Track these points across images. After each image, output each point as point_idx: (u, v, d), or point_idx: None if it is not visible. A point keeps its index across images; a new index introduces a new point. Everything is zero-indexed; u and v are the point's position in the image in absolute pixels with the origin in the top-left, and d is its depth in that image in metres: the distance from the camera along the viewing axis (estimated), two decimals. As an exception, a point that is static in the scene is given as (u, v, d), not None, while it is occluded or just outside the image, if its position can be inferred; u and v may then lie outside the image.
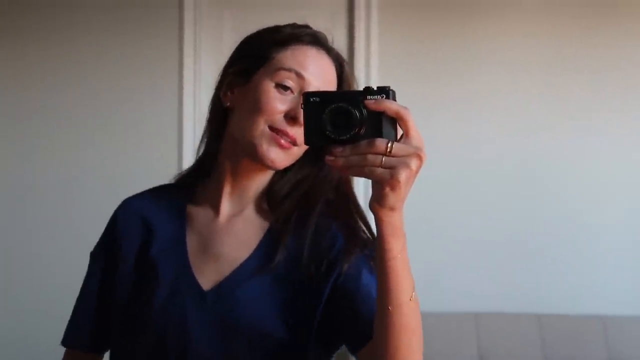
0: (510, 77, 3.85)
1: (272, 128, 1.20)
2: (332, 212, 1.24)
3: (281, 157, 1.21)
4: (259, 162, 1.22)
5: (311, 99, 0.96)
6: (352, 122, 0.92)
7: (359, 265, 1.16)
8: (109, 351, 1.35)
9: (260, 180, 1.29)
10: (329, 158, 0.94)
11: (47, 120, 3.70)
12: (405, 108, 0.92)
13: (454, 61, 3.83)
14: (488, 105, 3.87)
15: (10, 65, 3.69)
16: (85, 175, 3.67)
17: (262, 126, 1.20)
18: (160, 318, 1.19)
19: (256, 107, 1.20)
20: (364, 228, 1.22)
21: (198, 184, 1.35)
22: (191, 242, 1.26)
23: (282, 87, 1.21)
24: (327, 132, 0.93)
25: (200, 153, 1.36)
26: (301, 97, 1.00)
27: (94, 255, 1.37)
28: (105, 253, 1.34)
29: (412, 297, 1.00)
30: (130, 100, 3.70)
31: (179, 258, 1.24)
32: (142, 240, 1.29)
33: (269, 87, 1.21)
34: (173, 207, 1.32)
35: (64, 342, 1.38)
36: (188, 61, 3.62)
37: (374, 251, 1.04)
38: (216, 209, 1.29)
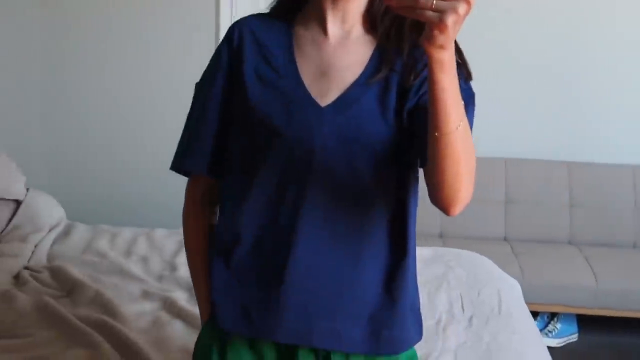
0: None
1: None
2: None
3: None
4: None
5: None
6: None
7: None
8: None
9: (359, 1, 1.30)
10: None
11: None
12: None
13: None
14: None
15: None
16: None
17: None
18: (287, 130, 1.24)
19: None
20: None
21: (296, 11, 1.35)
22: (302, 63, 1.30)
23: None
24: None
25: None
26: None
27: (206, 81, 1.38)
28: (224, 73, 1.34)
29: (459, 126, 1.07)
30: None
31: (292, 79, 1.28)
32: (257, 58, 1.32)
33: None
34: (280, 29, 1.34)
35: (184, 167, 1.39)
36: None
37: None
38: (324, 30, 1.31)
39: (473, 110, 1.24)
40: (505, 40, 3.85)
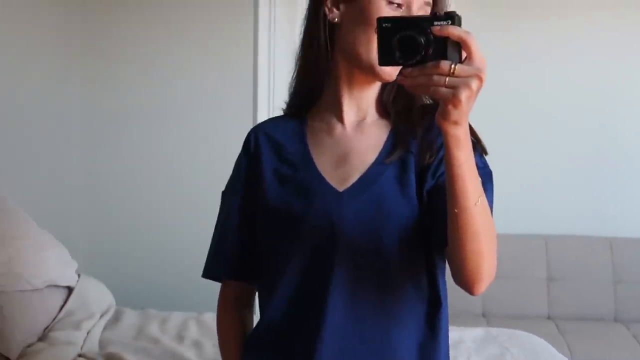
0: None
1: None
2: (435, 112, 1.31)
3: (395, 70, 1.23)
4: (376, 77, 1.28)
5: (383, 25, 1.04)
6: (417, 48, 1.01)
7: None
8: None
9: (373, 89, 1.36)
10: (400, 78, 1.03)
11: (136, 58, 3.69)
12: (468, 33, 0.99)
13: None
14: (561, 23, 3.82)
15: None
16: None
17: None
18: (307, 219, 1.27)
19: (369, 23, 1.23)
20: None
21: (310, 106, 1.40)
22: (318, 154, 1.34)
23: (393, 3, 1.24)
24: (396, 57, 1.03)
25: (298, 75, 1.39)
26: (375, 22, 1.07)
27: (229, 190, 1.45)
28: (244, 179, 1.41)
29: (478, 202, 1.08)
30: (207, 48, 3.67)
31: (309, 170, 1.32)
32: (274, 159, 1.37)
33: (381, 2, 1.24)
34: (294, 126, 1.40)
35: (212, 274, 1.45)
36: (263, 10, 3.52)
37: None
38: (340, 119, 1.36)
39: (492, 188, 1.28)
40: (545, 112, 3.89)
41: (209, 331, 2.79)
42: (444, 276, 1.33)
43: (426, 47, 1.00)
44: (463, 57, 1.00)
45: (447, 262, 1.23)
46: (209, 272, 1.46)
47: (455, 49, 1.00)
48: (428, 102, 1.33)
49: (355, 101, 1.35)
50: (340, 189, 1.28)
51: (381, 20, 1.05)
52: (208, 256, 1.47)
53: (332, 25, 1.32)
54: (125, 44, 3.68)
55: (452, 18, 1.01)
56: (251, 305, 1.50)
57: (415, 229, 1.25)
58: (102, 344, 2.68)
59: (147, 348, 2.62)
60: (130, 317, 2.92)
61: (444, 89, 0.98)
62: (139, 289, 3.48)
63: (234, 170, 1.45)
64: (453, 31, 0.99)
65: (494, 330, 2.85)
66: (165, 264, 3.52)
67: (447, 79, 0.97)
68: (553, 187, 3.92)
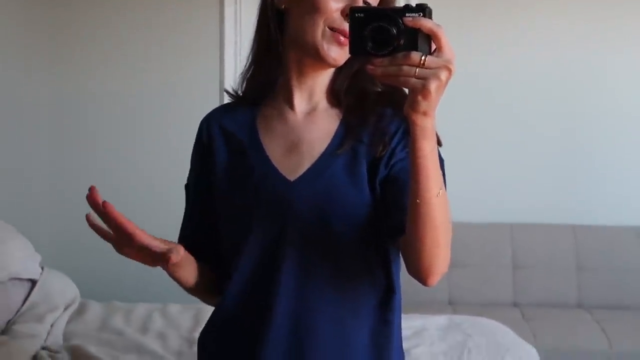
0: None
1: (332, 28, 1.26)
2: (389, 101, 1.33)
3: (341, 54, 1.27)
4: (322, 61, 1.29)
5: (356, 15, 1.06)
6: (390, 39, 1.02)
7: None
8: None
9: (324, 77, 1.36)
10: (369, 67, 1.04)
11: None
12: (439, 26, 1.01)
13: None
14: (526, 17, 3.86)
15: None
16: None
17: (322, 27, 1.26)
18: (258, 209, 1.28)
19: (314, 7, 1.25)
20: None
21: (264, 95, 1.39)
22: (269, 141, 1.35)
23: None
24: (368, 48, 1.04)
25: (251, 63, 1.39)
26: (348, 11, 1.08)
27: (188, 182, 1.46)
28: (199, 170, 1.42)
29: (439, 194, 1.10)
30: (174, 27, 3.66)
31: (259, 158, 1.33)
32: (226, 147, 1.37)
33: None
34: (244, 113, 1.39)
35: None
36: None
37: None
38: (292, 107, 1.36)
39: (444, 176, 1.27)
40: (509, 105, 3.93)
41: (174, 322, 2.79)
42: (398, 264, 1.34)
43: (398, 39, 1.02)
44: (432, 49, 1.01)
45: (401, 252, 1.24)
46: None
47: (426, 41, 1.02)
48: (380, 90, 1.33)
49: (307, 89, 1.35)
50: (291, 178, 1.28)
51: (354, 10, 1.06)
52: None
53: (281, 13, 1.32)
54: (91, 36, 3.65)
55: (424, 10, 1.02)
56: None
57: (367, 219, 1.26)
58: (66, 336, 2.67)
59: (111, 340, 2.61)
60: (95, 309, 2.91)
61: (414, 80, 0.99)
62: (104, 281, 3.46)
63: (191, 162, 1.45)
64: (425, 23, 1.00)
65: (457, 318, 2.88)
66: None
67: (417, 70, 0.99)
68: (518, 177, 3.95)
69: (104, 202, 1.14)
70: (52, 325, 2.68)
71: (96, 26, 3.67)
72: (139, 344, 2.58)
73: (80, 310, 2.89)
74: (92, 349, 2.46)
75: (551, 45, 3.87)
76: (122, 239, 1.19)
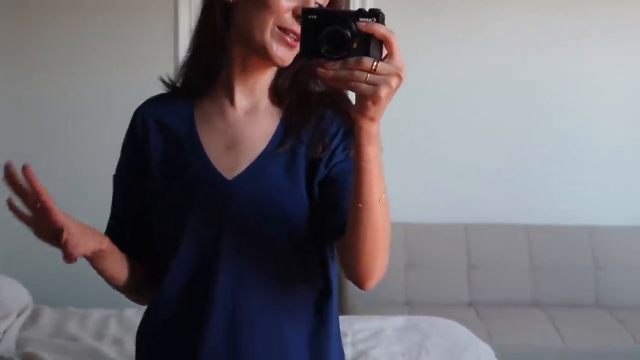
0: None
1: (281, 27, 1.23)
2: (330, 102, 1.32)
3: (288, 55, 1.26)
4: (269, 60, 1.27)
5: (309, 17, 1.05)
6: (345, 44, 1.02)
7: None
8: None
9: (267, 75, 1.34)
10: (320, 70, 1.03)
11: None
12: (392, 32, 1.01)
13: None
14: (481, 20, 3.92)
15: None
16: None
17: (271, 26, 1.23)
18: (194, 208, 1.25)
19: (265, 5, 1.22)
20: None
21: (203, 87, 1.35)
22: (207, 137, 1.32)
23: None
24: (322, 51, 1.03)
25: (193, 55, 1.35)
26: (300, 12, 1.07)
27: (117, 174, 1.41)
28: (131, 164, 1.37)
29: (381, 198, 1.10)
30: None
31: (196, 155, 1.30)
32: (161, 141, 1.34)
33: None
34: (182, 107, 1.36)
35: None
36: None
37: None
38: (232, 103, 1.33)
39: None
40: (464, 106, 3.97)
41: (130, 328, 2.74)
42: (335, 267, 1.34)
43: (351, 42, 1.02)
44: (383, 55, 1.02)
45: (339, 256, 1.24)
46: None
47: (377, 46, 1.02)
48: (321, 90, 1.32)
49: (249, 86, 1.32)
50: (229, 177, 1.26)
51: (307, 11, 1.05)
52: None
53: (228, 6, 1.29)
54: (48, 43, 3.62)
55: (377, 15, 1.03)
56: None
57: (304, 220, 1.25)
58: (19, 343, 2.62)
59: (65, 346, 2.57)
60: (49, 315, 2.86)
61: (364, 85, 0.99)
62: (58, 286, 3.40)
63: (121, 153, 1.40)
64: (378, 29, 1.00)
65: (414, 319, 2.90)
66: (85, 260, 3.44)
67: (368, 75, 0.99)
68: (472, 177, 3.99)
69: (24, 166, 1.10)
70: (4, 333, 2.63)
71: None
72: (94, 350, 2.54)
73: (34, 317, 2.84)
74: (47, 356, 2.42)
75: (505, 49, 3.92)
76: (40, 220, 1.14)
